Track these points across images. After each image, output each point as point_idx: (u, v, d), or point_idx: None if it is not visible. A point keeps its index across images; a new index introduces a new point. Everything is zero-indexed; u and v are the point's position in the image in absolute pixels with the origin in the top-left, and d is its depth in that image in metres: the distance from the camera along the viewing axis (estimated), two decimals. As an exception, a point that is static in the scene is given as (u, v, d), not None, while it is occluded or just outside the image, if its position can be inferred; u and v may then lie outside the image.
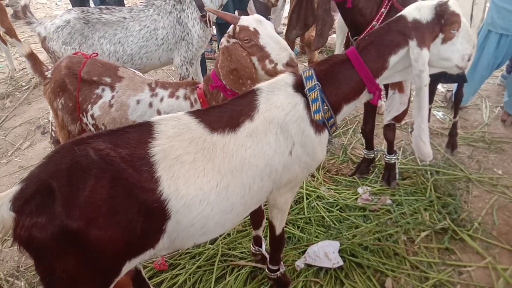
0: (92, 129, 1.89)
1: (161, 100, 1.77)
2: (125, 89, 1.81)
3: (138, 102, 1.79)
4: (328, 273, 1.87)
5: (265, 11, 4.03)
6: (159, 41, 2.53)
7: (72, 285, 1.08)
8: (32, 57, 1.98)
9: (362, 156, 2.58)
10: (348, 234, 2.06)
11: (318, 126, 1.32)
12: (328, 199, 2.31)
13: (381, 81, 1.34)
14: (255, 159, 1.23)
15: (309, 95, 1.28)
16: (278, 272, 1.75)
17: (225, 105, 1.27)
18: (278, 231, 1.61)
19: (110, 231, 1.03)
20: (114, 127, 1.82)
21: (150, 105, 1.78)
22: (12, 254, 2.18)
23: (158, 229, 1.12)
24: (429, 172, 2.49)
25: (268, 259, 1.77)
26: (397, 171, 2.43)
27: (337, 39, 3.57)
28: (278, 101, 1.28)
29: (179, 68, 2.70)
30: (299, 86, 1.31)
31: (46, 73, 1.96)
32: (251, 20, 1.54)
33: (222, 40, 1.58)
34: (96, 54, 1.94)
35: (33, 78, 4.18)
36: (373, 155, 2.53)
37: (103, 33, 2.41)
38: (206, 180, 1.13)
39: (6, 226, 1.01)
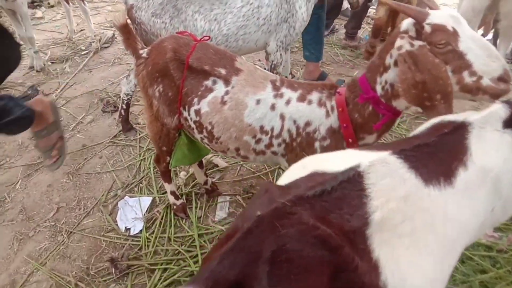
0: (193, 125, 1.58)
1: (287, 102, 1.43)
2: (243, 85, 1.47)
3: (258, 102, 1.45)
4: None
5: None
6: (261, 21, 2.17)
7: None
8: (126, 30, 1.65)
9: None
10: (476, 279, 1.71)
11: None
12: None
13: None
14: (468, 223, 0.88)
15: None
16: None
17: (428, 140, 0.91)
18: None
19: None
20: (223, 128, 1.50)
21: (273, 107, 1.44)
22: (80, 251, 1.93)
23: None
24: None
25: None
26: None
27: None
28: (494, 141, 0.93)
29: (273, 54, 2.34)
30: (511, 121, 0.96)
31: (141, 51, 1.64)
32: (447, 17, 1.14)
33: (401, 43, 1.18)
34: (208, 38, 1.59)
35: (93, 42, 3.90)
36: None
37: (198, 8, 2.06)
38: (431, 261, 0.78)
39: None
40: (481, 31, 3.27)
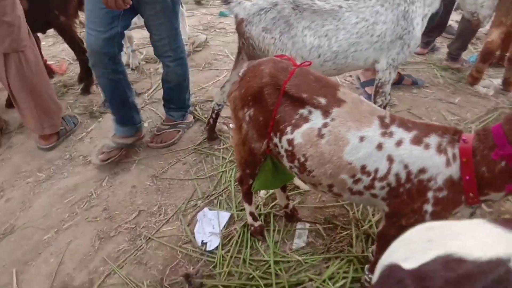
0: (284, 153, 1.47)
1: (398, 143, 1.27)
2: (345, 118, 1.34)
3: (361, 139, 1.30)
4: None
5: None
6: (374, 38, 2.03)
7: None
8: None
9: None
10: None
11: None
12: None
13: None
14: None
15: None
16: None
17: None
18: None
19: None
20: (318, 162, 1.38)
21: (380, 147, 1.28)
22: (157, 260, 1.93)
23: None
24: None
25: None
26: None
27: None
28: None
29: (382, 71, 2.18)
30: None
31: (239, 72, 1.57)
32: None
33: None
34: (309, 63, 1.48)
35: (186, 45, 3.96)
36: None
37: (310, 23, 1.96)
38: None
39: None
40: None
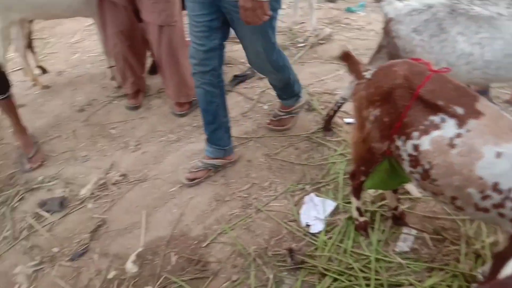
0: (406, 158, 1.50)
1: (543, 166, 1.23)
2: (483, 131, 1.32)
3: (498, 155, 1.28)
4: None
5: None
6: None
7: None
8: (347, 58, 1.69)
9: None
10: None
11: None
12: None
13: None
14: None
15: None
16: None
17: None
18: None
19: None
20: (445, 172, 1.38)
21: (518, 166, 1.25)
22: (263, 230, 2.11)
23: None
24: None
25: None
26: None
27: None
28: None
29: None
30: None
31: (365, 73, 1.62)
32: None
33: None
34: (447, 70, 1.48)
35: (311, 36, 4.10)
36: None
37: (463, 29, 1.92)
38: None
39: None
40: None
